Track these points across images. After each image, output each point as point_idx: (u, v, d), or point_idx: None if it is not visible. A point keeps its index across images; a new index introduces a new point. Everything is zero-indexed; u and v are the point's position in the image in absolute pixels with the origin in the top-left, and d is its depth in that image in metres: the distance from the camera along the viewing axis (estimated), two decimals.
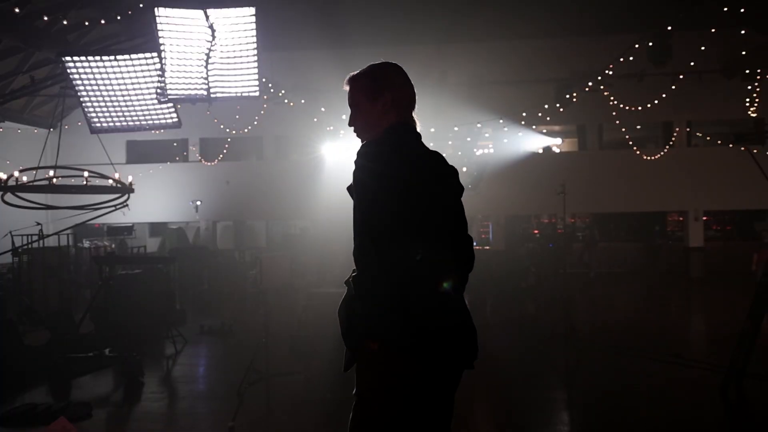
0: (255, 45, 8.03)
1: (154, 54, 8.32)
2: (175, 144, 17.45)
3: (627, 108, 14.40)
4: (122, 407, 5.72)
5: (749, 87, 13.61)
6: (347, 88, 2.21)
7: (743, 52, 12.65)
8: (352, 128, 2.20)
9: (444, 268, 1.93)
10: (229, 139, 16.38)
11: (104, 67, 8.69)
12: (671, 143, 15.83)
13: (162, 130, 11.28)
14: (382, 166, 1.96)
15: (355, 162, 2.01)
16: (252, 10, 7.82)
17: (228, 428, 4.70)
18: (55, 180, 9.37)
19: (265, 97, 12.49)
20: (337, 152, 14.50)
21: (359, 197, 1.95)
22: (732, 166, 15.20)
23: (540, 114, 14.16)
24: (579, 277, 15.11)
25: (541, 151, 17.07)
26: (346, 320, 1.99)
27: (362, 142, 2.17)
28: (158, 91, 8.45)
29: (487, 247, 16.64)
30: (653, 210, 16.64)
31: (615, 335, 8.42)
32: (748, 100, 13.96)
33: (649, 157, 15.67)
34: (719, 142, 16.34)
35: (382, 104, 2.12)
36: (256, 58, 8.12)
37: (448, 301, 1.91)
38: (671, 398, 5.60)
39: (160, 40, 7.94)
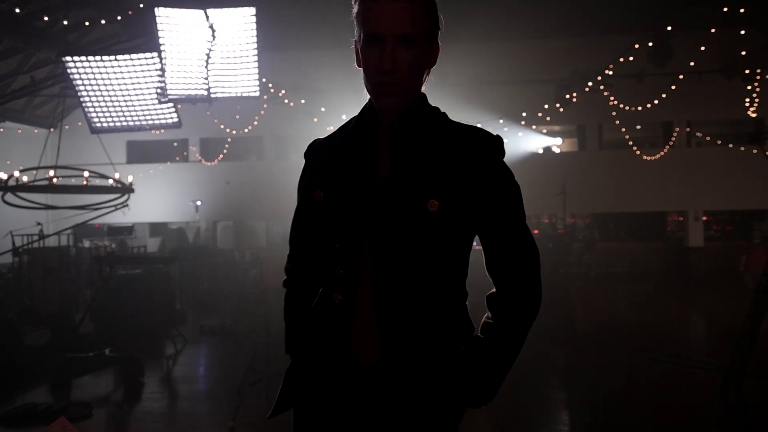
0: (255, 45, 8.04)
1: (155, 54, 8.34)
2: (175, 144, 17.45)
3: (627, 108, 14.41)
4: (122, 407, 5.73)
5: (749, 87, 13.61)
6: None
7: (743, 52, 12.65)
8: (392, 74, 1.37)
9: None
10: (229, 139, 16.38)
11: (104, 67, 8.71)
12: (671, 143, 15.83)
13: (162, 130, 11.28)
14: None
15: (500, 160, 1.48)
16: (252, 10, 7.84)
17: (228, 428, 4.71)
18: (55, 180, 9.38)
19: (265, 97, 12.49)
20: None
21: (519, 204, 1.52)
22: (732, 166, 15.22)
23: (540, 114, 14.15)
24: (579, 277, 15.10)
25: (541, 151, 17.08)
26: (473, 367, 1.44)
27: (390, 102, 1.41)
28: (158, 91, 8.46)
29: None
30: (653, 210, 16.65)
31: (615, 335, 8.41)
32: (748, 100, 13.96)
33: (649, 157, 15.67)
34: (719, 142, 16.34)
35: (435, 56, 1.48)
36: (256, 58, 8.14)
37: None
38: (671, 398, 5.60)
39: (161, 40, 7.95)
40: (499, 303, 1.49)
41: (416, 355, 1.42)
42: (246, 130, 15.82)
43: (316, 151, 1.60)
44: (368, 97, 1.51)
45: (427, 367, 1.42)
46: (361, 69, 1.46)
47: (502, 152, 1.47)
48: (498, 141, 1.46)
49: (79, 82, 8.77)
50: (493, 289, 1.53)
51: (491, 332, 1.47)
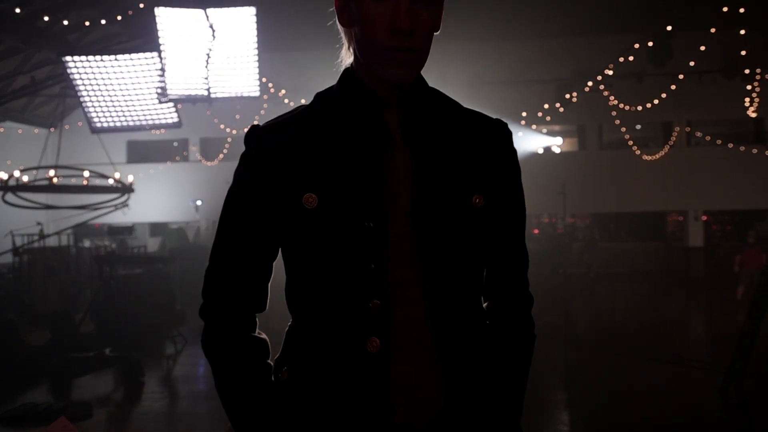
0: (255, 45, 8.04)
1: (155, 54, 8.34)
2: (175, 144, 17.46)
3: (627, 108, 14.41)
4: (122, 407, 5.73)
5: (749, 87, 13.62)
6: None
7: (743, 52, 12.65)
8: (409, 37, 1.05)
9: None
10: (229, 139, 16.38)
11: (105, 66, 8.71)
12: (671, 143, 15.83)
13: (162, 130, 11.28)
14: None
15: (511, 144, 1.23)
16: (252, 10, 7.84)
17: (228, 428, 4.71)
18: (55, 180, 9.38)
19: (265, 97, 12.49)
20: None
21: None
22: (732, 166, 15.22)
23: (540, 114, 14.17)
24: (579, 277, 15.11)
25: (541, 151, 17.09)
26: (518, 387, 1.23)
27: (402, 73, 1.08)
28: (158, 90, 8.46)
29: None
30: (653, 210, 16.65)
31: (615, 335, 8.42)
32: (748, 100, 13.96)
33: (649, 157, 15.67)
34: (719, 142, 16.35)
35: (440, 21, 1.14)
36: (256, 58, 8.13)
37: None
38: (671, 398, 5.61)
39: (160, 40, 7.95)
40: (511, 321, 1.25)
41: (482, 393, 1.16)
42: (246, 130, 15.82)
43: (273, 139, 1.18)
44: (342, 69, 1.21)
45: (489, 403, 1.17)
46: (347, 29, 1.17)
47: None
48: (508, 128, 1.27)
49: (79, 82, 8.77)
50: (485, 303, 1.27)
51: (510, 353, 1.23)
